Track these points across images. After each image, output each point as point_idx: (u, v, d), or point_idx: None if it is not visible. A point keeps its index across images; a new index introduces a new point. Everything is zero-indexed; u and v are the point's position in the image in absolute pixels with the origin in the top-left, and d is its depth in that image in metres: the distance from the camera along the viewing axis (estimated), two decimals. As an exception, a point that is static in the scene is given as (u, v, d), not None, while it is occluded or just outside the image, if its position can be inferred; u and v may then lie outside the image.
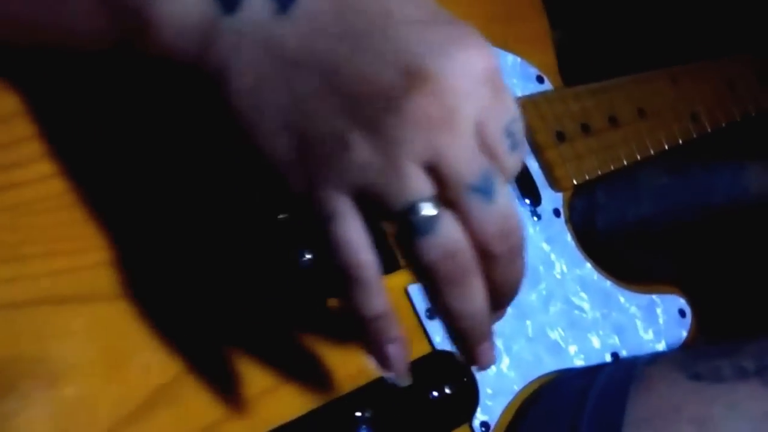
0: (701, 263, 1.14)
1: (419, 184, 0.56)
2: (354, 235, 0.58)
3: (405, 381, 0.63)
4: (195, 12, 0.57)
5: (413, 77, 0.55)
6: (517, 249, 0.60)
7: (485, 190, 0.57)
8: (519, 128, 0.59)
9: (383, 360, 0.62)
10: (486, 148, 0.57)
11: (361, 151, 0.56)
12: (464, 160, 0.57)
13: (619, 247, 0.99)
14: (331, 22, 0.57)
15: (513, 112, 0.58)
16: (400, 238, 0.58)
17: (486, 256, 0.59)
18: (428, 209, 0.57)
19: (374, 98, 0.56)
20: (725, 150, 1.11)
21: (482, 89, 0.57)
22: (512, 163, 0.59)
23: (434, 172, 0.56)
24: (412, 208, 0.57)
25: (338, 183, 0.57)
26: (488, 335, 0.63)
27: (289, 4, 0.57)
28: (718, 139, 1.10)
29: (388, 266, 0.82)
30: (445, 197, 0.57)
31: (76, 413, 0.65)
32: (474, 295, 0.60)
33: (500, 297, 0.62)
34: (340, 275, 0.59)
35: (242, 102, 0.58)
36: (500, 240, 0.59)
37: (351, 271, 0.59)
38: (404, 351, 0.62)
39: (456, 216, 0.58)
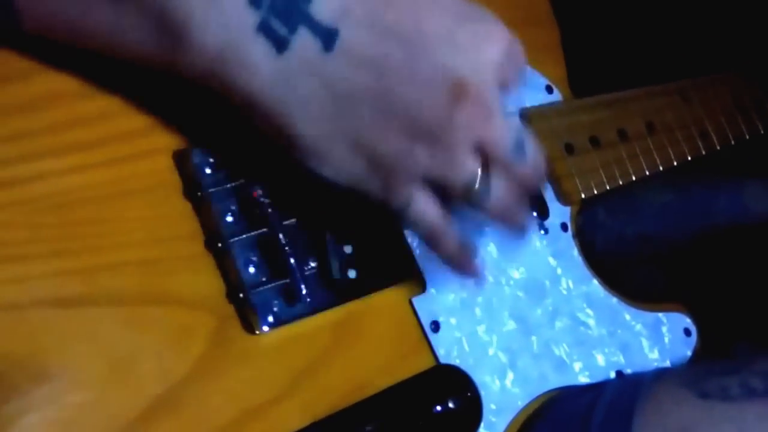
0: (700, 282, 1.13)
1: (472, 166, 0.70)
2: (427, 210, 0.72)
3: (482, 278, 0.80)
4: (250, 51, 0.63)
5: (453, 93, 0.67)
6: (543, 173, 0.77)
7: (519, 149, 0.72)
8: (524, 69, 0.73)
9: (469, 273, 0.77)
10: (504, 88, 0.70)
11: (424, 157, 0.68)
12: (501, 135, 0.70)
13: (618, 265, 0.97)
14: (372, 53, 0.65)
15: (522, 58, 0.72)
16: (467, 204, 0.72)
17: (527, 187, 0.75)
18: (482, 182, 0.71)
19: (425, 119, 0.67)
20: (726, 168, 1.09)
21: (503, 68, 0.69)
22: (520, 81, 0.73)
23: (480, 150, 0.70)
24: (470, 182, 0.70)
25: (408, 179, 0.70)
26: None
27: (333, 41, 0.64)
28: (718, 156, 1.08)
29: (392, 278, 0.81)
30: (492, 164, 0.71)
31: (79, 418, 0.64)
32: (523, 215, 0.77)
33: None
34: (426, 239, 0.74)
35: (309, 132, 0.67)
36: (535, 174, 0.75)
37: (432, 235, 0.73)
38: (478, 265, 0.77)
39: (502, 173, 0.72)
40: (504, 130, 0.70)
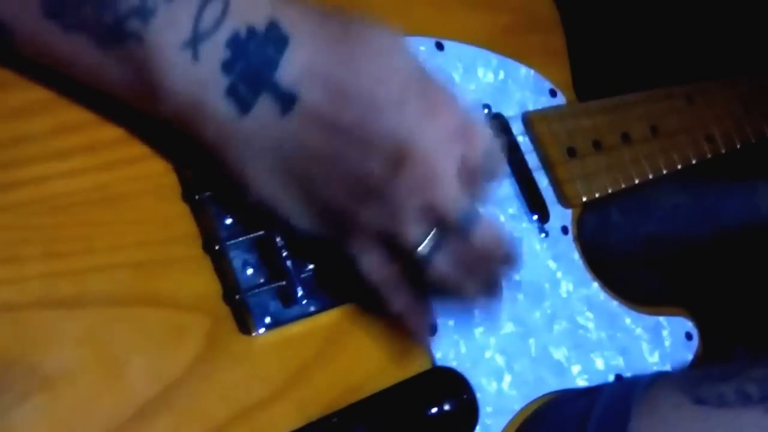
0: (701, 285, 1.13)
1: (416, 231, 0.72)
2: (375, 264, 0.74)
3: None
4: (217, 111, 0.67)
5: (396, 159, 0.70)
6: (501, 256, 0.78)
7: (468, 225, 0.74)
8: (494, 155, 0.75)
9: (414, 336, 0.80)
10: (467, 182, 0.73)
11: (371, 215, 0.71)
12: (448, 206, 0.72)
13: (630, 266, 0.98)
14: (326, 117, 0.69)
15: (483, 149, 0.74)
16: (411, 266, 0.74)
17: (479, 264, 0.76)
18: (426, 246, 0.73)
19: (370, 180, 0.70)
20: (738, 168, 1.09)
21: (455, 142, 0.72)
22: (489, 187, 0.76)
23: (429, 216, 0.72)
24: (415, 247, 0.73)
25: (357, 236, 0.73)
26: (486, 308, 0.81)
27: (291, 105, 0.68)
28: (731, 158, 1.08)
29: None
30: (441, 229, 0.73)
31: (72, 418, 0.64)
32: (472, 290, 0.78)
33: (494, 285, 0.79)
34: (372, 292, 0.75)
35: (265, 185, 0.71)
36: (486, 255, 0.76)
37: (377, 288, 0.75)
38: (425, 334, 0.81)
39: (450, 244, 0.74)
40: (450, 197, 0.72)
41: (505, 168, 0.89)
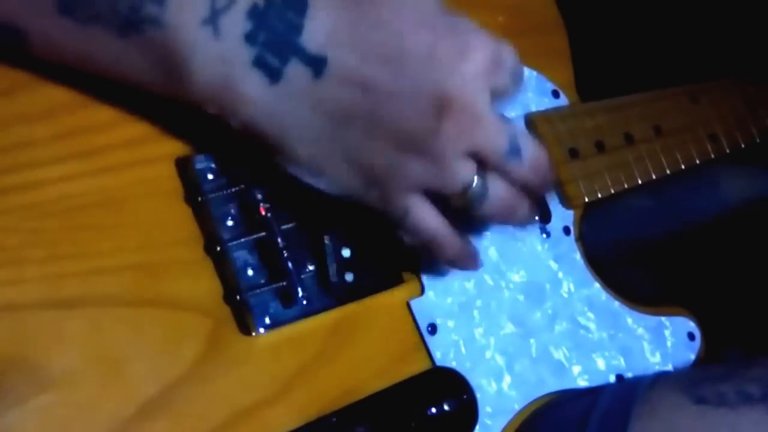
0: (703, 285, 1.13)
1: (466, 171, 0.73)
2: (426, 217, 0.75)
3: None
4: (246, 84, 0.67)
5: (436, 106, 0.69)
6: (547, 171, 0.78)
7: (515, 151, 0.74)
8: (520, 73, 0.75)
9: (471, 269, 0.83)
10: (500, 96, 0.73)
11: (416, 168, 0.71)
12: (494, 140, 0.73)
13: (611, 272, 0.98)
14: (359, 75, 0.68)
15: (512, 62, 0.73)
16: (465, 208, 0.74)
17: (529, 187, 0.78)
18: (477, 185, 0.73)
19: (412, 133, 0.70)
20: (700, 166, 1.09)
21: (489, 75, 0.71)
22: (519, 85, 0.75)
23: (475, 155, 0.72)
24: (465, 189, 0.73)
25: (404, 190, 0.73)
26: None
27: (322, 68, 0.67)
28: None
29: (390, 281, 0.82)
30: (489, 168, 0.74)
31: (74, 418, 0.65)
32: (525, 212, 0.80)
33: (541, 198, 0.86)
34: (426, 246, 0.77)
35: (306, 152, 0.70)
36: (536, 174, 0.77)
37: (432, 243, 0.76)
38: (478, 261, 0.82)
39: (499, 176, 0.75)
40: (495, 134, 0.73)
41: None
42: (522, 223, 0.81)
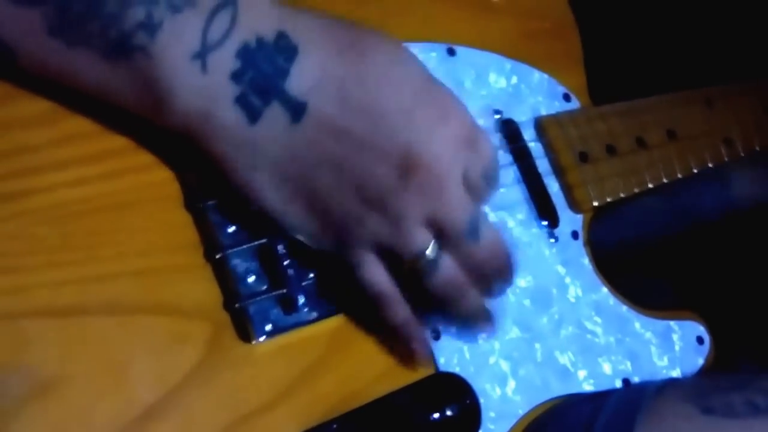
0: (709, 291, 1.12)
1: (421, 238, 0.73)
2: (375, 274, 0.75)
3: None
4: (225, 120, 0.68)
5: (406, 165, 0.71)
6: (504, 264, 0.80)
7: (473, 233, 0.75)
8: (495, 169, 0.77)
9: (411, 353, 0.79)
10: (471, 191, 0.74)
11: (374, 224, 0.72)
12: (455, 214, 0.74)
13: (624, 279, 0.98)
14: (335, 124, 0.70)
15: (489, 158, 0.76)
16: (412, 275, 0.75)
17: (482, 273, 0.78)
18: (430, 255, 0.74)
19: (377, 187, 0.71)
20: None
21: (462, 151, 0.73)
22: (489, 196, 0.77)
23: (433, 225, 0.73)
24: (417, 256, 0.74)
25: (359, 243, 0.74)
26: (488, 317, 0.83)
27: (301, 114, 0.69)
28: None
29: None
30: (444, 241, 0.74)
31: (72, 425, 0.66)
32: (473, 300, 0.79)
33: (496, 293, 0.81)
34: (371, 303, 0.76)
35: (271, 194, 0.72)
36: (490, 263, 0.78)
37: (377, 300, 0.76)
38: (424, 346, 0.80)
39: (452, 254, 0.75)
40: (457, 208, 0.74)
41: (515, 173, 0.90)
42: (468, 312, 0.81)
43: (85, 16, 0.64)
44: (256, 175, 0.71)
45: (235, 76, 0.67)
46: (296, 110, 0.69)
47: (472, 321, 0.82)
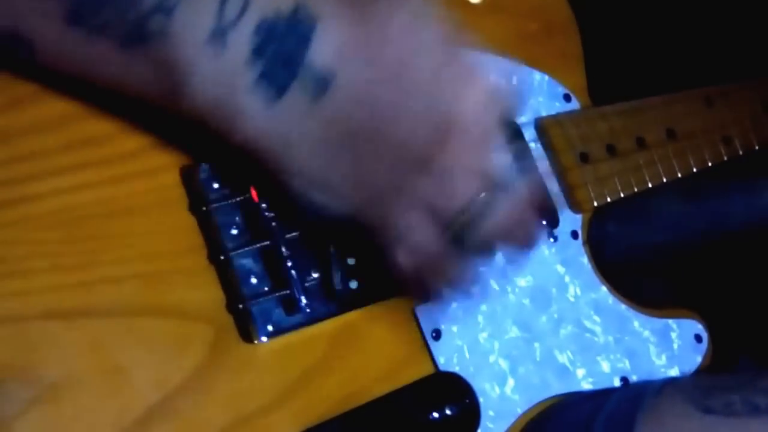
0: (709, 292, 1.13)
1: (470, 188, 0.73)
2: (426, 236, 0.74)
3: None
4: (245, 102, 0.67)
5: (442, 129, 0.71)
6: (542, 202, 0.83)
7: (514, 180, 0.75)
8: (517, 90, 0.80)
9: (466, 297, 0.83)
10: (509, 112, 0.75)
11: (421, 186, 0.72)
12: (496, 164, 0.74)
13: (629, 276, 0.99)
14: (364, 95, 0.68)
15: (515, 101, 0.77)
16: (463, 228, 0.74)
17: (525, 215, 0.77)
18: (481, 200, 0.73)
19: (418, 152, 0.71)
20: (739, 170, 1.09)
21: (492, 103, 0.73)
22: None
23: (479, 174, 0.73)
24: (470, 203, 0.73)
25: (408, 208, 0.73)
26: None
27: (327, 86, 0.68)
28: (730, 161, 1.08)
29: (396, 289, 0.83)
30: (491, 189, 0.74)
31: (75, 426, 0.67)
32: (530, 230, 0.80)
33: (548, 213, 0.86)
34: (424, 268, 0.76)
35: (307, 170, 0.71)
36: (531, 203, 0.78)
37: (429, 261, 0.75)
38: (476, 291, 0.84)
39: (501, 198, 0.74)
40: (497, 156, 0.74)
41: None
42: (526, 243, 0.81)
43: (101, 3, 0.63)
44: (288, 155, 0.70)
45: (256, 52, 0.66)
46: (322, 82, 0.68)
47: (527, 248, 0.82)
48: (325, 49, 0.67)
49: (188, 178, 0.75)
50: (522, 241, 0.80)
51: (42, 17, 0.64)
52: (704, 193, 1.07)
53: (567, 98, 0.99)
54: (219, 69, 0.66)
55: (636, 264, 0.99)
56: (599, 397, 0.91)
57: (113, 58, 0.65)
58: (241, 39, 0.66)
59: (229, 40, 0.65)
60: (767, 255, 1.15)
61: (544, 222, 0.94)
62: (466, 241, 0.75)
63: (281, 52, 0.66)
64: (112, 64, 0.66)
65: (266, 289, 0.76)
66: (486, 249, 0.78)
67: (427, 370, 0.84)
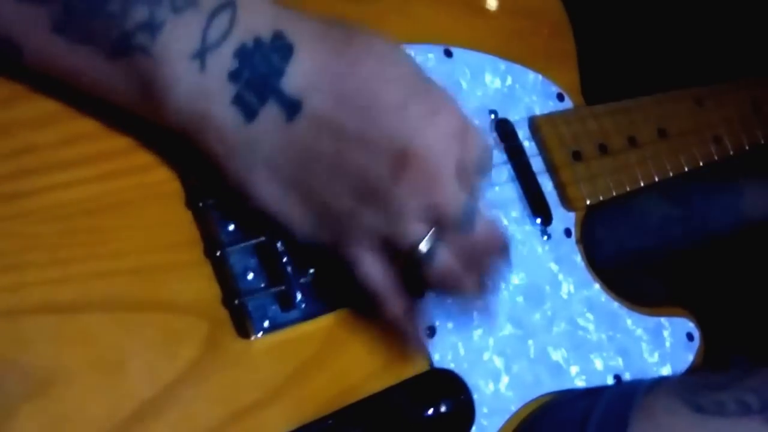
0: (699, 293, 1.14)
1: (417, 230, 0.74)
2: (372, 271, 0.76)
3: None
4: (222, 119, 0.69)
5: (399, 159, 0.72)
6: (499, 250, 0.81)
7: (468, 222, 0.76)
8: (486, 158, 0.78)
9: (406, 347, 0.81)
10: (464, 181, 0.75)
11: (370, 218, 0.73)
12: (449, 204, 0.74)
13: (618, 277, 0.99)
14: (330, 121, 0.71)
15: (480, 148, 0.77)
16: (410, 267, 0.75)
17: (478, 260, 0.79)
18: (427, 245, 0.75)
19: (372, 182, 0.72)
20: (722, 175, 1.10)
21: (454, 143, 0.74)
22: (481, 186, 0.78)
23: (428, 217, 0.74)
24: (414, 248, 0.75)
25: (357, 239, 0.75)
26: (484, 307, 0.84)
27: (297, 111, 0.70)
28: (714, 165, 1.09)
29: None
30: (440, 231, 0.75)
31: (69, 421, 0.66)
32: (470, 289, 0.80)
33: (493, 281, 0.82)
34: (369, 298, 0.77)
35: (267, 192, 0.73)
36: (486, 250, 0.79)
37: (374, 295, 0.77)
38: (420, 342, 0.83)
39: (448, 243, 0.76)
40: (452, 199, 0.74)
41: (509, 172, 0.91)
42: (468, 297, 0.81)
43: (89, 15, 0.65)
44: (253, 173, 0.72)
45: (233, 76, 0.69)
46: (292, 108, 0.70)
47: (469, 311, 0.84)
48: (296, 78, 0.70)
49: (186, 173, 0.74)
50: (469, 288, 0.80)
51: (30, 25, 0.65)
52: (690, 197, 1.08)
53: (560, 97, 0.99)
54: (197, 88, 0.68)
55: (624, 268, 0.99)
56: (592, 395, 0.91)
57: (96, 67, 0.67)
58: (221, 61, 0.68)
59: (209, 61, 0.68)
60: (753, 254, 1.15)
61: (538, 221, 0.94)
62: (421, 277, 0.77)
63: (256, 78, 0.69)
64: (95, 73, 0.68)
65: (262, 285, 0.76)
66: (446, 287, 0.79)
67: (421, 366, 0.84)
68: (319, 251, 0.77)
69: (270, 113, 0.70)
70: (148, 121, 0.71)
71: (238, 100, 0.69)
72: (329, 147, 0.72)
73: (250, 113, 0.70)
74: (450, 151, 0.74)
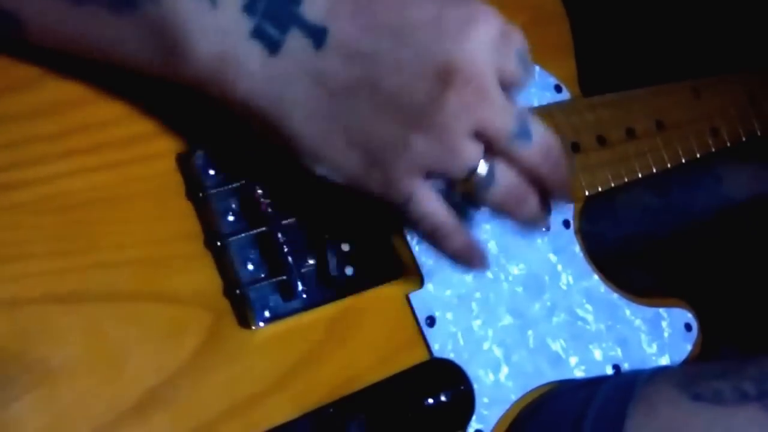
0: (690, 281, 1.14)
1: (471, 152, 0.69)
2: (429, 205, 0.71)
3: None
4: (245, 56, 0.66)
5: (442, 76, 0.66)
6: (559, 160, 0.75)
7: (523, 133, 0.71)
8: (526, 52, 0.71)
9: (475, 267, 0.77)
10: (508, 84, 0.70)
11: (420, 147, 0.68)
12: (501, 118, 0.69)
13: (606, 270, 0.99)
14: (361, 46, 0.66)
15: (520, 44, 0.71)
16: (470, 195, 0.71)
17: (538, 175, 0.74)
18: (483, 168, 0.70)
19: (417, 105, 0.67)
20: (701, 161, 1.09)
21: (495, 50, 0.68)
22: (528, 78, 0.72)
23: (480, 136, 0.69)
24: (471, 172, 0.70)
25: (408, 172, 0.69)
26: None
27: (323, 39, 0.66)
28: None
29: (390, 274, 0.84)
30: (495, 150, 0.70)
31: (71, 411, 0.67)
32: (533, 207, 0.75)
33: (556, 195, 0.77)
34: (429, 235, 0.73)
35: (306, 131, 0.68)
36: (545, 161, 0.73)
37: (436, 232, 0.73)
38: (485, 259, 0.77)
39: (506, 161, 0.71)
40: (503, 112, 0.70)
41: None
42: (529, 219, 0.76)
43: None
44: (285, 115, 0.68)
45: (247, 8, 0.65)
46: (317, 36, 0.66)
47: (532, 227, 0.79)
48: (316, 3, 0.66)
49: (184, 164, 0.75)
50: (534, 207, 0.75)
51: None
52: (666, 183, 1.08)
53: (558, 89, 0.99)
54: (214, 26, 0.65)
55: (606, 256, 0.99)
56: (592, 385, 0.91)
57: (103, 25, 0.65)
58: None
59: None
60: (739, 241, 1.15)
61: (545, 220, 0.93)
62: (473, 208, 0.74)
63: (272, 7, 0.65)
64: (103, 34, 0.65)
65: (263, 275, 0.77)
66: (502, 208, 0.74)
67: (421, 356, 0.84)
68: (363, 196, 0.72)
69: (295, 44, 0.66)
70: (165, 79, 0.68)
71: (258, 33, 0.65)
72: (364, 75, 0.67)
73: (273, 45, 0.66)
74: (492, 59, 0.68)
